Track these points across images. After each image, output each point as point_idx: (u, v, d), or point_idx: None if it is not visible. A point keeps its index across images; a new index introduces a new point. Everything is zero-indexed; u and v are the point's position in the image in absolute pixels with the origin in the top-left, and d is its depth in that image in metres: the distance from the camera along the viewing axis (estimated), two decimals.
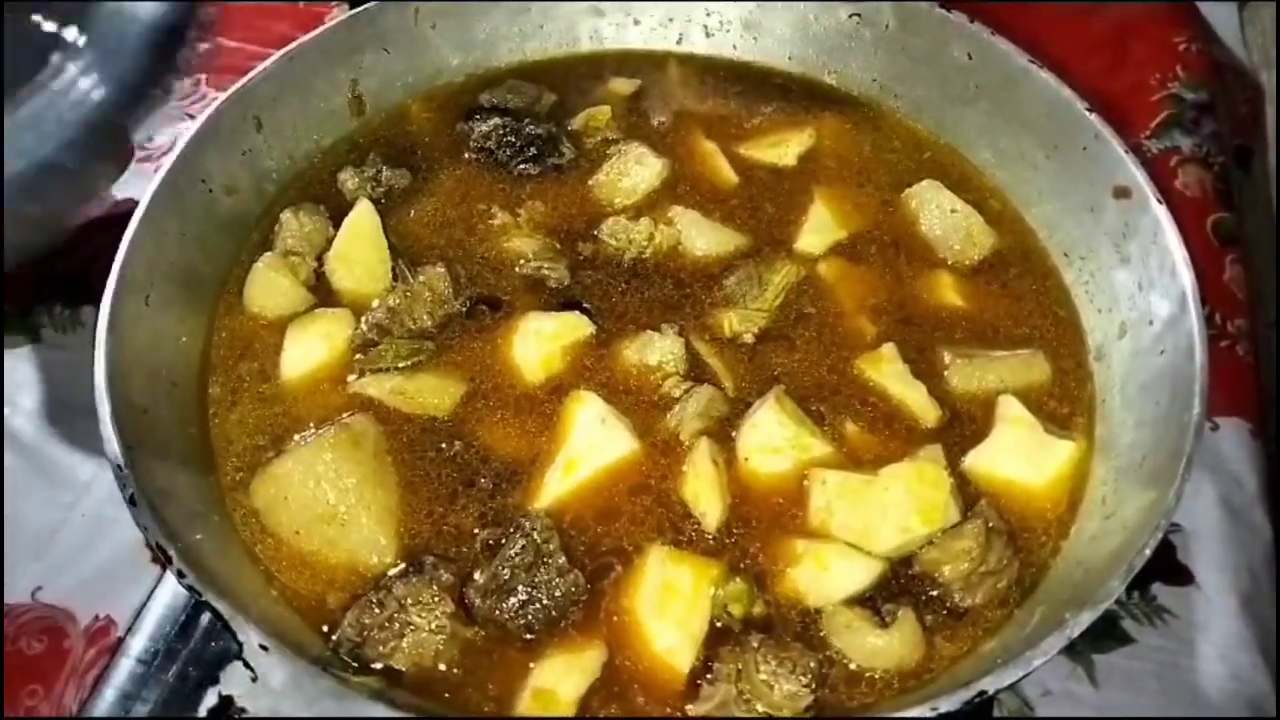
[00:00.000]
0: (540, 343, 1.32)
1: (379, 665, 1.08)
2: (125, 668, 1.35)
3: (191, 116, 1.42)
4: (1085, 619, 0.99)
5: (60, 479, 1.50)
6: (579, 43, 1.70)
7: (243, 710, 0.91)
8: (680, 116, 1.62)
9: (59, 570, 1.51)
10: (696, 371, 1.32)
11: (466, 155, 1.55)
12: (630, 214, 1.46)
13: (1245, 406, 1.66)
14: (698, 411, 1.26)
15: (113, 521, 1.54)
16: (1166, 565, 1.51)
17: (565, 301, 1.38)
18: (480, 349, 1.34)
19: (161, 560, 1.46)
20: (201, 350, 1.35)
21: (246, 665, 0.92)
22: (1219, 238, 1.84)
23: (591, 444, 1.24)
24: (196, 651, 1.35)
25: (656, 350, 1.33)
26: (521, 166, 1.53)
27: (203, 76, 2.13)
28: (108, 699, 1.33)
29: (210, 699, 0.91)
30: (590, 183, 1.52)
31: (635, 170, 1.51)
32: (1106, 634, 1.45)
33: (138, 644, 1.37)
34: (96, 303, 1.23)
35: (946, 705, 0.94)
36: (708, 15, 1.69)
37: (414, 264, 1.40)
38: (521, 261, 1.42)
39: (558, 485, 1.22)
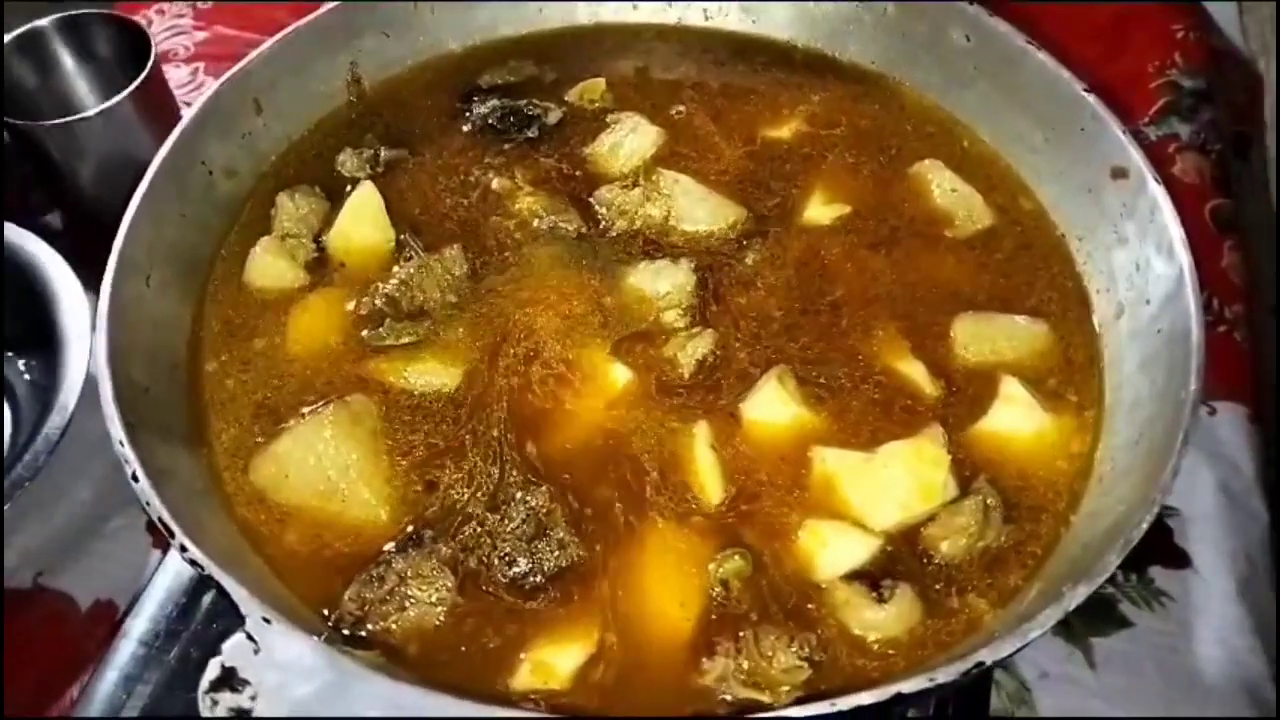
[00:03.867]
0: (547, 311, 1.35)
1: (379, 638, 1.09)
2: (126, 650, 1.36)
3: (190, 105, 1.43)
4: (1081, 592, 0.99)
5: (61, 466, 1.50)
6: (578, 20, 1.71)
7: (245, 683, 0.91)
8: (679, 87, 1.63)
9: (60, 556, 1.52)
10: (703, 316, 1.34)
11: (466, 132, 1.56)
12: (626, 183, 1.46)
13: (1243, 392, 1.67)
14: (698, 354, 1.29)
15: (113, 508, 1.55)
16: (1164, 549, 1.52)
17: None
18: (486, 324, 1.35)
19: (164, 536, 1.49)
20: (202, 332, 1.35)
21: (250, 637, 0.92)
22: (1217, 224, 1.86)
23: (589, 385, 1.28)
24: (198, 633, 1.36)
25: (665, 279, 1.35)
26: (519, 141, 1.54)
27: (200, 65, 2.15)
28: (109, 680, 1.34)
29: (213, 671, 0.91)
30: (586, 152, 1.53)
31: (630, 140, 1.52)
32: (1104, 617, 1.46)
33: (139, 626, 1.38)
34: (97, 288, 1.24)
35: (944, 676, 0.94)
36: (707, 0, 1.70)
37: (417, 234, 1.41)
38: (535, 220, 1.43)
39: (559, 448, 1.23)
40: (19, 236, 1.64)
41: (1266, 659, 1.43)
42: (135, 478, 1.06)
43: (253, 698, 0.90)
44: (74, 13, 1.80)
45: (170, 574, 1.41)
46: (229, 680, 0.90)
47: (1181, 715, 1.39)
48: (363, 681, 0.92)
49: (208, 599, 1.39)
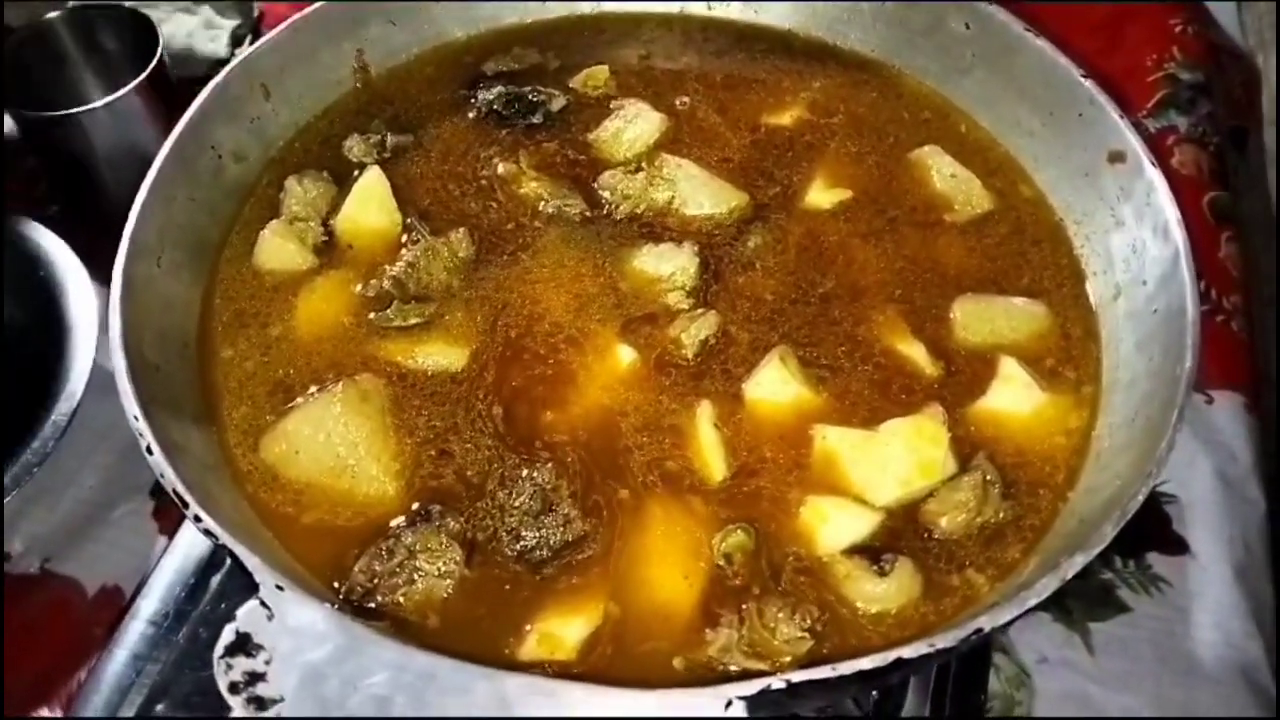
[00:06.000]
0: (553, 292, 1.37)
1: (389, 610, 1.11)
2: (135, 630, 1.38)
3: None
4: (1079, 562, 1.00)
5: (68, 453, 1.52)
6: (582, 8, 1.73)
7: (260, 647, 0.93)
8: (682, 74, 1.64)
9: (67, 542, 1.53)
10: (706, 298, 1.36)
11: (471, 119, 1.57)
12: (630, 169, 1.48)
13: (1240, 381, 1.69)
14: (702, 335, 1.30)
15: (119, 494, 1.57)
16: (1162, 536, 1.53)
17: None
18: (491, 305, 1.36)
19: (170, 522, 1.51)
20: (212, 313, 1.36)
21: (263, 604, 0.94)
22: (1215, 216, 1.87)
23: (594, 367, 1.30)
24: (206, 614, 1.38)
25: (669, 262, 1.37)
26: (524, 127, 1.55)
27: None
28: (118, 660, 1.36)
29: (228, 636, 0.92)
30: (590, 138, 1.54)
31: (634, 126, 1.53)
32: (1103, 603, 1.48)
33: (147, 606, 1.39)
34: (103, 278, 1.26)
35: (943, 642, 0.95)
36: None
37: (424, 218, 1.43)
38: (541, 203, 1.45)
39: (565, 426, 1.25)
40: (26, 226, 1.65)
41: (1263, 643, 1.45)
42: (150, 450, 1.07)
43: (267, 662, 0.91)
44: (83, 4, 1.82)
45: (179, 555, 1.43)
46: (243, 645, 0.92)
47: (1179, 698, 1.40)
48: (374, 646, 0.93)
49: (216, 579, 1.40)
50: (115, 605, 1.48)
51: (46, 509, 1.55)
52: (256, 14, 2.18)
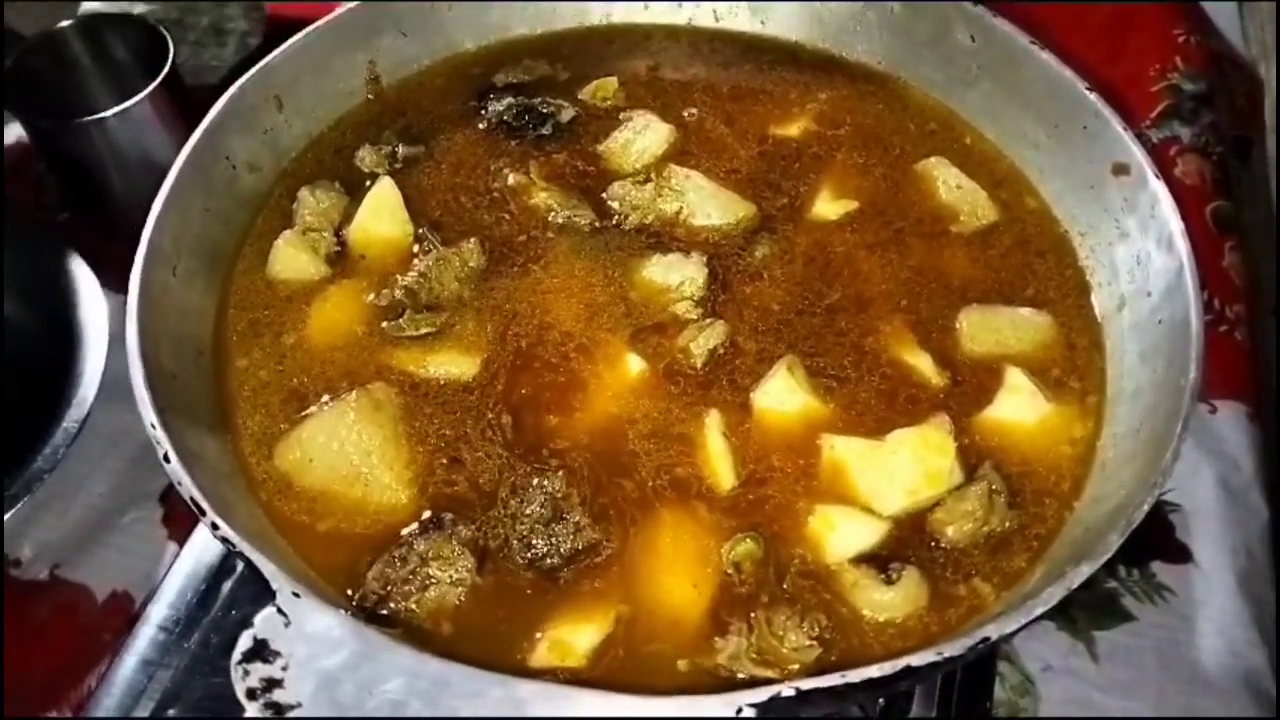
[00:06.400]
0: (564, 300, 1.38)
1: (402, 617, 1.12)
2: (146, 635, 1.39)
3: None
4: (1085, 571, 1.01)
5: (78, 459, 1.53)
6: (591, 20, 1.74)
7: (276, 654, 0.93)
8: (690, 86, 1.65)
9: (77, 549, 1.54)
10: (714, 308, 1.37)
11: (482, 129, 1.58)
12: (638, 179, 1.49)
13: (1243, 390, 1.70)
14: (710, 344, 1.31)
15: (129, 501, 1.58)
16: (1166, 544, 1.54)
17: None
18: (502, 315, 1.37)
19: (180, 529, 1.52)
20: (226, 322, 1.37)
21: (280, 611, 0.95)
22: (1218, 225, 1.88)
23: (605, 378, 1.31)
24: (217, 620, 1.39)
25: (677, 272, 1.38)
26: (534, 137, 1.57)
27: None
28: (129, 665, 1.36)
29: (245, 643, 0.93)
30: (599, 149, 1.55)
31: (643, 137, 1.54)
32: (1107, 611, 1.49)
33: (158, 612, 1.40)
34: (113, 285, 1.26)
35: (951, 651, 0.96)
36: (717, 0, 1.73)
37: (435, 228, 1.44)
38: (550, 214, 1.46)
39: (575, 435, 1.26)
40: (35, 234, 1.66)
41: (1266, 651, 1.46)
42: (167, 458, 1.08)
43: (284, 668, 0.92)
44: (94, 13, 1.83)
45: (189, 562, 1.44)
46: (260, 652, 0.93)
47: (1182, 705, 1.41)
48: (389, 653, 0.94)
49: (227, 586, 1.41)
50: (125, 611, 1.49)
51: (57, 515, 1.56)
52: (264, 20, 2.18)
